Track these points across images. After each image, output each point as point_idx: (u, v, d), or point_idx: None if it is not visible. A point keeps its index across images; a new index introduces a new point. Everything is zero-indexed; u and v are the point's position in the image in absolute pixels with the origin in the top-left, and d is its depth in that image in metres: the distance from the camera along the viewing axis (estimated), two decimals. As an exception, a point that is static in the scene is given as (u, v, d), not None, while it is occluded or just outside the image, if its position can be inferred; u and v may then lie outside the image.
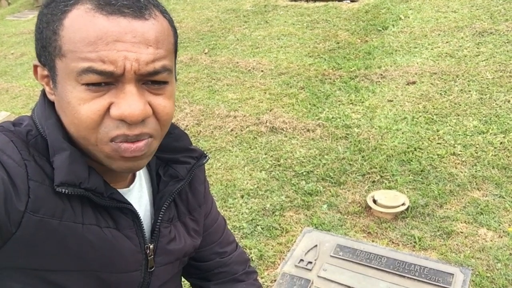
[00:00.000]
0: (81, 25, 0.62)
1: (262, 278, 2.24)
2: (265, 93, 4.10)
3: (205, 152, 0.91)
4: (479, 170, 2.75)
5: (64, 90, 0.65)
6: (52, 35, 0.64)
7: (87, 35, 0.61)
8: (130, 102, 0.63)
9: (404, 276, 2.13)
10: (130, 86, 0.64)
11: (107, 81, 0.63)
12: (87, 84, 0.62)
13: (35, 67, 0.71)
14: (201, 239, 0.95)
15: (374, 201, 2.58)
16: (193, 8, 6.97)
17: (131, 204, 0.76)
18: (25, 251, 0.64)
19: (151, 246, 0.81)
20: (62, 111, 0.67)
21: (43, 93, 0.73)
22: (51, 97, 0.70)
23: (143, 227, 0.79)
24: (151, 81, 0.66)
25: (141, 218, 0.78)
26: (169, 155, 0.86)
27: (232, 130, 3.59)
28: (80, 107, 0.63)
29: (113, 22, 0.61)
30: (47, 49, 0.65)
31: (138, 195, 0.83)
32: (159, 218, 0.82)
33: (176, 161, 0.86)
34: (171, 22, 0.71)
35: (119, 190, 0.76)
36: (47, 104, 0.71)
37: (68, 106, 0.65)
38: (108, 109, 0.64)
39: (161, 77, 0.66)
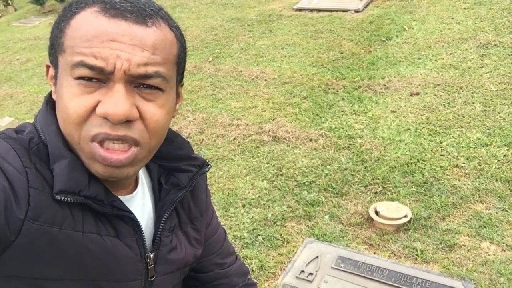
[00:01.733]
0: (84, 24, 0.64)
1: (262, 289, 2.22)
2: (268, 102, 4.10)
3: (207, 161, 0.91)
4: (482, 183, 2.73)
5: (61, 85, 0.66)
6: (59, 33, 0.67)
7: (86, 32, 0.63)
8: (115, 100, 0.63)
9: (405, 289, 2.11)
10: (119, 85, 0.64)
11: (98, 78, 0.64)
12: (79, 78, 0.64)
13: (48, 67, 0.73)
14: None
15: (376, 213, 2.57)
16: (198, 16, 7.01)
17: (132, 213, 0.75)
18: (24, 259, 0.64)
19: (152, 255, 0.80)
20: (57, 107, 0.68)
21: (46, 100, 0.74)
22: (54, 96, 0.71)
23: (144, 235, 0.78)
24: (143, 85, 0.66)
25: (141, 226, 0.78)
26: (171, 164, 0.86)
27: (234, 138, 3.59)
28: (69, 101, 0.64)
29: (113, 24, 0.63)
30: (53, 47, 0.68)
31: (141, 202, 0.82)
32: (160, 226, 0.82)
33: (178, 169, 0.86)
34: (178, 37, 0.71)
35: (121, 197, 0.76)
36: (49, 111, 0.72)
37: (61, 101, 0.66)
38: (95, 107, 0.64)
39: (153, 82, 0.66)
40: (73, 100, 0.64)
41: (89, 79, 0.64)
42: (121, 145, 0.66)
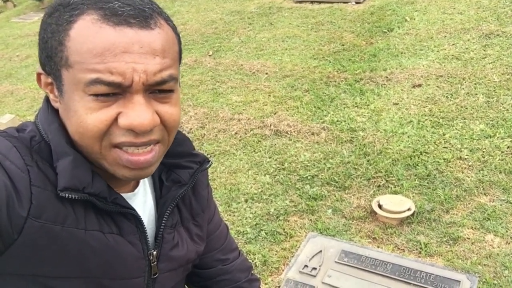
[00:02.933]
0: (87, 36, 0.62)
1: (266, 284, 2.22)
2: (270, 95, 4.08)
3: (208, 157, 0.91)
4: (486, 175, 2.71)
5: (71, 99, 0.65)
6: (58, 46, 0.64)
7: (94, 46, 0.61)
8: (139, 112, 0.64)
9: (409, 283, 2.10)
10: (138, 96, 0.64)
11: (115, 92, 0.63)
12: (95, 95, 0.63)
13: (39, 75, 0.71)
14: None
15: (380, 206, 2.56)
16: (197, 10, 6.96)
17: (134, 210, 0.75)
18: (26, 257, 0.64)
19: (154, 253, 0.80)
20: (68, 120, 0.68)
21: (47, 99, 0.73)
22: (55, 105, 0.70)
23: (147, 233, 0.78)
24: (158, 90, 0.67)
25: (144, 223, 0.78)
26: (171, 160, 0.86)
27: (236, 133, 3.57)
28: (87, 117, 0.64)
29: (120, 33, 0.62)
30: (53, 59, 0.66)
31: (143, 200, 0.82)
32: (162, 224, 0.82)
33: (178, 166, 0.86)
34: (174, 29, 0.71)
35: (123, 194, 0.75)
36: (50, 110, 0.71)
37: (75, 115, 0.65)
38: (115, 119, 0.64)
39: (168, 86, 0.67)
40: (91, 116, 0.64)
41: (106, 94, 0.63)
42: (145, 148, 0.68)
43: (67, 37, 0.63)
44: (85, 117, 0.64)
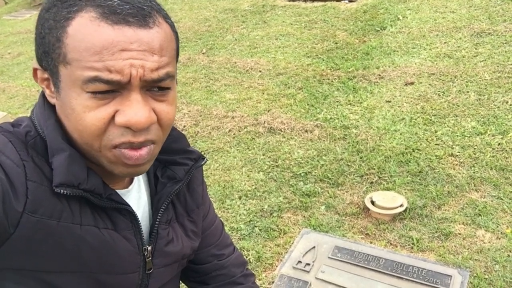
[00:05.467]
0: (86, 34, 0.62)
1: (260, 280, 2.23)
2: (263, 93, 4.09)
3: (203, 154, 0.91)
4: (477, 171, 2.75)
5: (68, 96, 0.65)
6: (56, 42, 0.64)
7: (92, 44, 0.61)
8: (135, 109, 0.64)
9: (402, 278, 2.13)
10: (135, 93, 0.64)
11: (113, 89, 0.64)
12: (93, 92, 0.63)
13: (35, 70, 0.71)
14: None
15: (372, 202, 2.58)
16: (191, 8, 6.95)
17: (129, 205, 0.76)
18: (22, 252, 0.64)
19: (149, 248, 0.81)
20: (65, 117, 0.68)
21: (43, 94, 0.73)
22: (52, 100, 0.71)
23: (141, 228, 0.79)
24: (155, 87, 0.67)
25: (139, 219, 0.78)
26: (167, 157, 0.86)
27: (230, 130, 3.58)
28: (85, 115, 0.64)
29: (119, 31, 0.62)
30: (50, 55, 0.66)
31: (137, 196, 0.83)
32: (157, 219, 0.83)
33: (174, 162, 0.87)
34: (173, 27, 0.72)
35: (118, 191, 0.76)
36: (46, 106, 0.71)
37: (73, 113, 0.65)
38: (113, 117, 0.65)
39: (165, 84, 0.67)
40: (89, 114, 0.64)
41: (104, 91, 0.63)
42: (141, 149, 0.69)
43: (65, 34, 0.63)
44: (83, 115, 0.64)
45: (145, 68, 0.63)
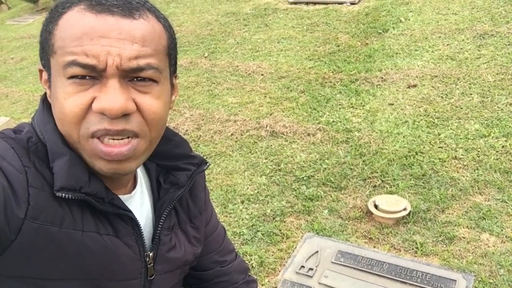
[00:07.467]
0: (71, 23, 0.64)
1: (262, 285, 2.22)
2: (265, 97, 4.08)
3: (205, 159, 0.91)
4: (481, 174, 2.73)
5: (55, 86, 0.66)
6: (48, 35, 0.67)
7: (75, 31, 0.63)
8: (110, 96, 0.64)
9: (406, 283, 2.11)
10: (112, 81, 0.64)
11: (91, 75, 0.64)
12: (72, 77, 0.64)
13: (40, 71, 0.73)
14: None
15: (376, 206, 2.56)
16: (192, 11, 6.96)
17: (131, 212, 0.75)
18: (23, 258, 0.64)
19: (151, 254, 0.81)
20: (53, 109, 0.69)
21: (43, 99, 0.74)
22: (50, 100, 0.71)
23: (143, 235, 0.79)
24: (136, 78, 0.66)
25: (141, 225, 0.78)
26: (169, 162, 0.86)
27: (232, 134, 3.57)
28: (65, 102, 0.65)
29: (101, 19, 0.63)
30: (44, 50, 0.68)
31: (140, 201, 0.83)
32: (160, 225, 0.82)
33: (176, 168, 0.86)
34: (166, 27, 0.72)
35: (120, 196, 0.76)
36: (46, 110, 0.72)
37: (56, 102, 0.66)
38: (91, 104, 0.65)
39: (146, 74, 0.66)
40: (68, 100, 0.64)
41: (82, 77, 0.64)
42: (121, 140, 0.66)
43: (56, 26, 0.66)
44: (63, 102, 0.65)
45: (122, 56, 0.63)
